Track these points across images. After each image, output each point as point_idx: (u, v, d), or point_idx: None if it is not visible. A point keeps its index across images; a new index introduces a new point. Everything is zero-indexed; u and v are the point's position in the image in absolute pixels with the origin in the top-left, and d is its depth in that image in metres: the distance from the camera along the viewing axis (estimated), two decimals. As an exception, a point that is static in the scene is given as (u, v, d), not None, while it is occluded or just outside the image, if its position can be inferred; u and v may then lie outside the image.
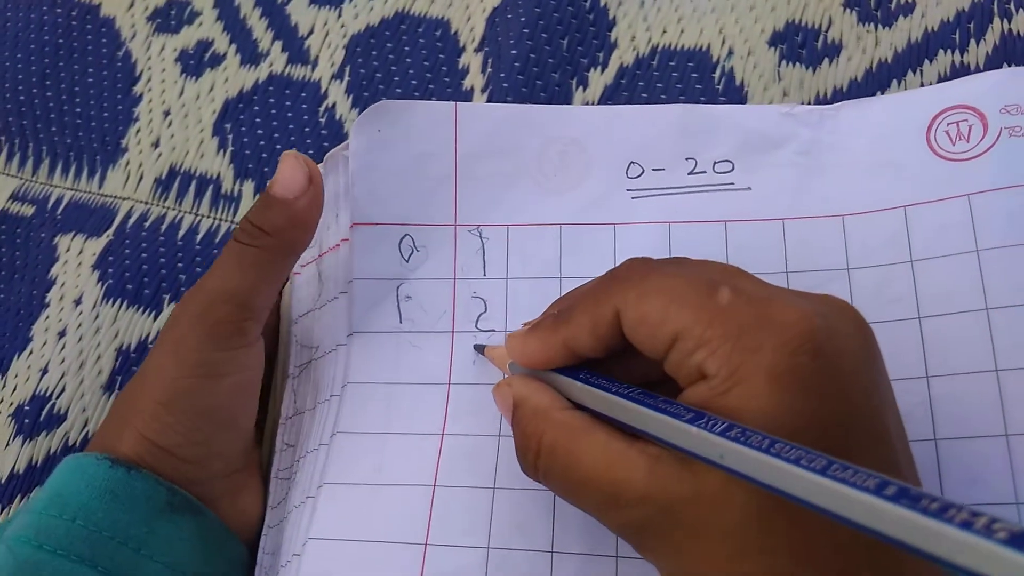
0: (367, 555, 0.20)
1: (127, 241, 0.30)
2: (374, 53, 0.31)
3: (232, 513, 0.22)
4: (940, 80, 0.27)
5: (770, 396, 0.14)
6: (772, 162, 0.23)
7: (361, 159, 0.23)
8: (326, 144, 0.30)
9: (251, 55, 0.32)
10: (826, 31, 0.28)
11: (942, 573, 0.14)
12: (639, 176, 0.23)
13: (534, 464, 0.17)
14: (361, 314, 0.23)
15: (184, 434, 0.21)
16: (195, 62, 0.32)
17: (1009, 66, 0.26)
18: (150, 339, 0.29)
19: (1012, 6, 0.27)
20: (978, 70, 0.26)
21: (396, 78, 0.31)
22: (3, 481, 0.27)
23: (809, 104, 0.25)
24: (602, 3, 0.30)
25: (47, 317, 0.30)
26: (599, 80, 0.29)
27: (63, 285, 0.30)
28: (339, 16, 0.32)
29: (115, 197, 0.31)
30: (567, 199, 0.23)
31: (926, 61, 0.27)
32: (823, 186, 0.23)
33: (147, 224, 0.31)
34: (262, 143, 0.31)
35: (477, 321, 0.23)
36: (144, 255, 0.30)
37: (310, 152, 0.31)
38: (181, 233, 0.30)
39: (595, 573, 0.19)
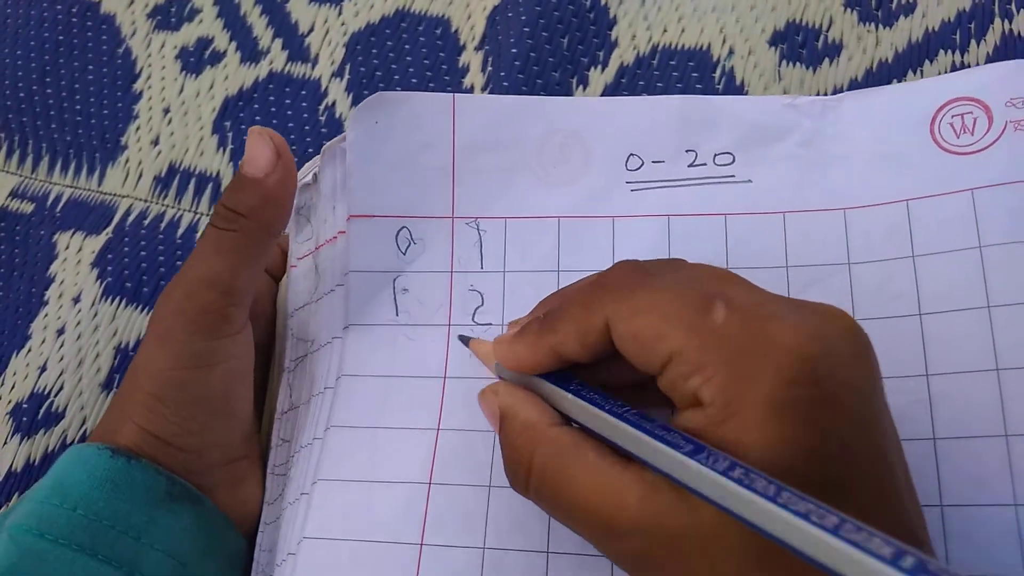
0: (362, 555, 0.20)
1: (126, 239, 0.30)
2: (374, 51, 0.31)
3: (232, 503, 0.22)
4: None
5: (768, 429, 0.14)
6: (773, 154, 0.23)
7: (358, 151, 0.23)
8: (326, 142, 0.30)
9: (251, 53, 0.32)
10: (827, 31, 0.28)
11: None
12: (639, 168, 0.23)
13: (525, 483, 0.17)
14: (357, 307, 0.23)
15: (180, 424, 0.20)
16: (195, 59, 0.32)
17: (1010, 66, 0.26)
18: (149, 336, 0.29)
19: (1013, 6, 0.27)
20: (979, 70, 0.26)
21: (396, 76, 0.31)
22: (1, 479, 0.27)
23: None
24: (603, 2, 0.30)
25: (46, 315, 0.30)
26: (599, 79, 0.29)
27: (62, 283, 0.30)
28: (339, 14, 0.32)
29: (114, 195, 0.31)
30: (566, 192, 0.23)
31: (926, 61, 0.27)
32: (825, 179, 0.22)
33: (146, 222, 0.31)
34: (262, 141, 0.31)
35: (474, 314, 0.23)
36: (143, 253, 0.30)
37: (310, 151, 0.31)
38: (180, 231, 0.30)
39: (591, 573, 0.19)
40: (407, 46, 0.31)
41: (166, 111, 0.32)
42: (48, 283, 0.30)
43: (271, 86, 0.32)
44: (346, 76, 0.31)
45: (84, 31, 0.34)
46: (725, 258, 0.22)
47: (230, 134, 0.31)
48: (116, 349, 0.29)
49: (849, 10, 0.28)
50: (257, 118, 0.31)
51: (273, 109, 0.31)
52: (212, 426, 0.21)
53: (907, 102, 0.22)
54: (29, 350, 0.29)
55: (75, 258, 0.31)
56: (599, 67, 0.29)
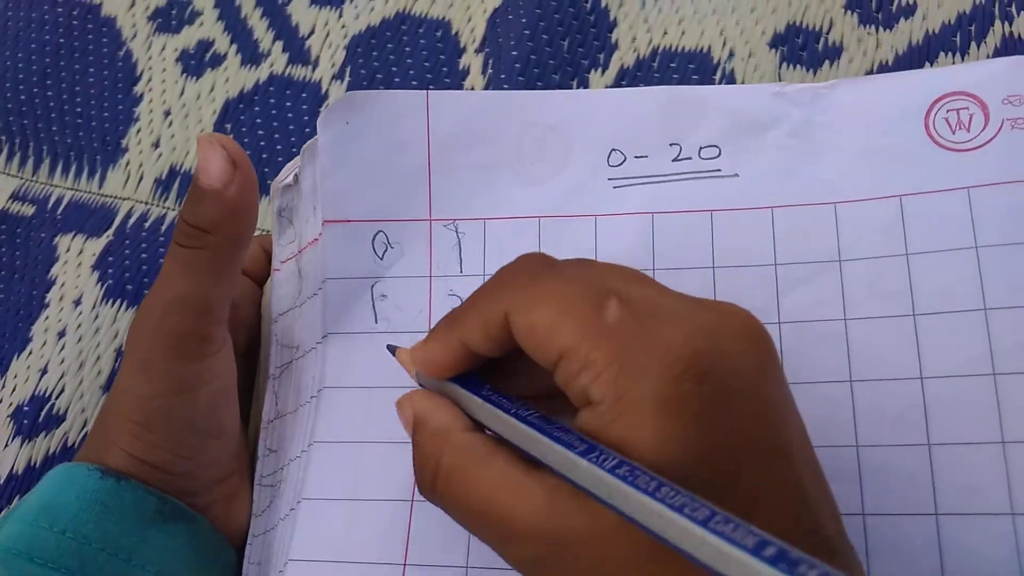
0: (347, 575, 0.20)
1: (127, 241, 0.30)
2: (375, 53, 0.31)
3: (226, 519, 0.22)
4: (941, 82, 0.27)
5: (655, 427, 0.14)
6: (761, 145, 0.22)
7: (330, 154, 0.23)
8: (326, 145, 0.30)
9: (252, 55, 0.32)
10: (827, 33, 0.28)
11: None
12: (621, 164, 0.22)
13: (431, 487, 0.17)
14: (336, 315, 0.22)
15: (170, 450, 0.20)
16: (196, 62, 0.32)
17: (1010, 68, 0.26)
18: (150, 339, 0.29)
19: (1013, 8, 0.27)
20: (979, 72, 0.26)
21: (397, 79, 0.31)
22: (1, 482, 0.27)
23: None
24: (603, 4, 0.30)
25: (47, 317, 0.30)
26: (600, 81, 0.29)
27: (63, 285, 0.30)
28: (340, 16, 0.32)
29: (115, 197, 0.31)
30: (546, 189, 0.22)
31: (927, 63, 0.27)
32: (815, 170, 0.22)
33: (147, 224, 0.31)
34: (263, 143, 0.31)
35: None
36: (144, 255, 0.30)
37: (310, 153, 0.31)
38: (181, 233, 0.30)
39: None
40: (407, 48, 0.31)
41: (167, 113, 0.32)
42: (49, 286, 0.30)
43: (272, 88, 0.32)
44: (347, 78, 0.31)
45: (85, 34, 0.34)
46: (711, 256, 0.21)
47: (231, 136, 0.31)
48: (117, 352, 0.29)
49: (849, 12, 0.28)
50: (258, 120, 0.31)
51: (274, 111, 0.31)
52: (203, 448, 0.21)
53: (901, 94, 0.22)
54: (30, 353, 0.29)
55: (76, 261, 0.31)
56: (599, 69, 0.29)
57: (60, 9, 0.35)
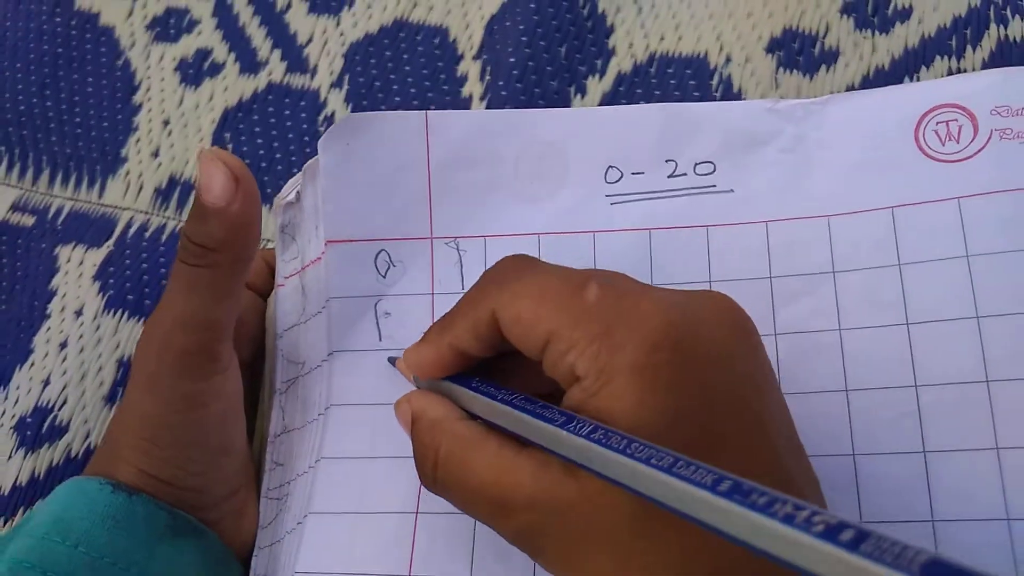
0: None
1: (128, 251, 0.31)
2: (373, 61, 0.31)
3: (234, 533, 0.22)
4: (937, 86, 0.27)
5: (633, 395, 0.15)
6: (756, 161, 0.22)
7: (331, 176, 0.23)
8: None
9: (250, 63, 0.32)
10: (823, 37, 0.28)
11: None
12: (618, 180, 0.23)
13: (432, 476, 0.18)
14: (340, 333, 0.23)
15: (180, 466, 0.20)
16: (194, 71, 0.33)
17: (1006, 72, 0.26)
18: (151, 349, 0.29)
19: (1008, 12, 0.27)
20: (975, 76, 0.27)
21: (395, 86, 0.31)
22: (6, 494, 0.27)
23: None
24: (600, 10, 0.30)
25: (48, 328, 0.30)
26: (597, 88, 0.29)
27: (64, 296, 0.30)
28: (338, 24, 0.32)
29: (115, 207, 0.32)
30: (545, 207, 0.23)
31: (923, 67, 0.27)
32: (809, 185, 0.22)
33: (147, 234, 0.31)
34: (262, 152, 0.31)
35: None
36: (145, 265, 0.30)
37: (309, 160, 0.31)
38: (181, 242, 0.30)
39: None
40: (405, 55, 0.31)
41: (166, 123, 0.32)
42: (50, 296, 0.31)
43: (270, 97, 0.32)
44: (345, 86, 0.31)
45: (83, 43, 0.34)
46: (708, 270, 0.22)
47: (230, 145, 0.31)
48: (119, 362, 0.29)
49: (846, 16, 0.28)
50: (256, 129, 0.31)
51: (272, 120, 0.31)
52: (212, 464, 0.21)
53: (891, 107, 0.22)
54: (32, 364, 0.29)
55: (76, 271, 0.31)
56: (597, 76, 0.29)
57: (59, 19, 0.35)
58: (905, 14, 0.28)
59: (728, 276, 0.22)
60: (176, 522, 0.20)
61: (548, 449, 0.15)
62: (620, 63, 0.29)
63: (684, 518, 0.13)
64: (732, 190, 0.22)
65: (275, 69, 0.32)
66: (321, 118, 0.31)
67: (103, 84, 0.33)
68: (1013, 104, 0.21)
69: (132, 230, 0.31)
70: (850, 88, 0.27)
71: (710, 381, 0.15)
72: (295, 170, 0.31)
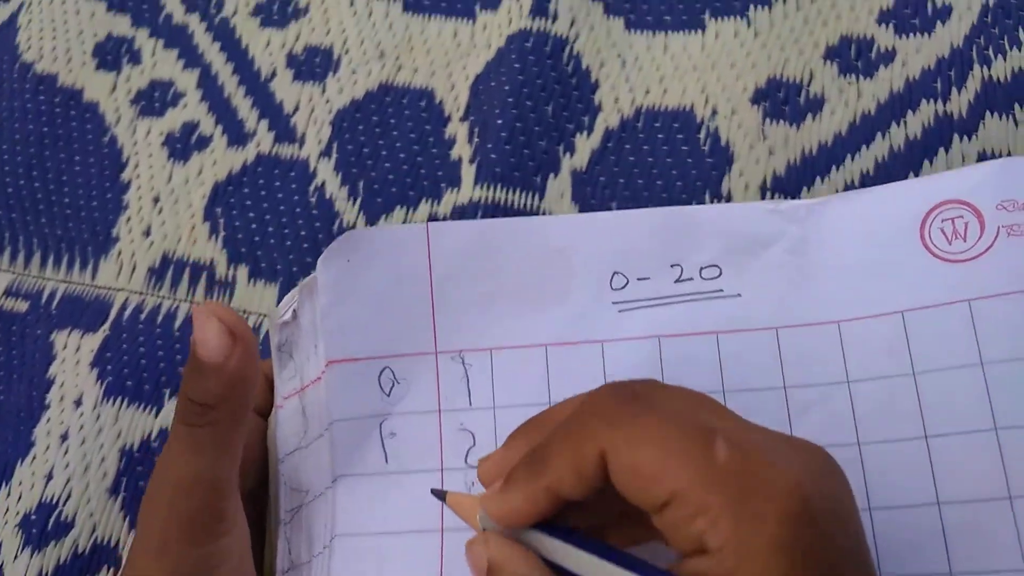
0: None
1: (124, 335, 0.30)
2: (360, 127, 0.31)
3: None
4: (924, 131, 0.27)
5: (778, 571, 0.14)
6: (761, 264, 0.22)
7: (331, 293, 0.23)
8: (318, 224, 0.30)
9: (238, 135, 0.32)
10: (808, 85, 0.28)
11: None
12: (624, 287, 0.22)
13: None
14: (344, 456, 0.22)
15: None
16: (182, 145, 0.32)
17: (992, 115, 0.26)
18: (153, 437, 0.29)
19: (991, 52, 0.27)
20: (961, 119, 0.27)
21: (384, 152, 0.31)
22: (15, 595, 0.27)
23: (793, 199, 0.24)
24: (584, 66, 0.30)
25: (48, 420, 0.30)
26: (586, 145, 0.29)
27: (62, 385, 0.30)
28: (323, 91, 0.32)
29: (109, 288, 0.31)
30: (551, 316, 0.23)
31: (909, 112, 0.27)
32: (816, 289, 0.22)
33: (143, 316, 0.31)
34: (254, 226, 0.31)
35: (467, 456, 0.22)
36: (142, 349, 0.30)
37: (302, 233, 0.30)
38: (177, 323, 0.30)
39: None
40: (393, 120, 0.31)
41: (156, 200, 0.32)
42: (48, 385, 0.30)
43: (260, 169, 0.32)
44: (334, 155, 0.31)
45: (68, 121, 0.34)
46: (720, 380, 0.21)
47: (222, 220, 0.31)
48: (121, 452, 0.29)
49: (829, 62, 0.28)
50: (247, 203, 0.31)
51: (263, 193, 0.31)
52: None
53: (894, 206, 0.22)
54: (34, 457, 0.29)
55: (74, 358, 0.30)
56: (584, 133, 0.29)
57: (42, 97, 0.35)
58: (888, 57, 0.28)
59: (741, 385, 0.21)
60: None
61: None
62: (607, 118, 0.29)
63: None
64: (739, 294, 0.22)
65: (263, 140, 0.32)
66: (312, 188, 0.31)
67: (90, 162, 0.33)
68: (1018, 197, 0.21)
69: (127, 312, 0.31)
70: (838, 136, 0.27)
71: (840, 546, 0.15)
72: (288, 243, 0.31)
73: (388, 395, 0.22)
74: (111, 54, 0.34)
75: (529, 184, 0.29)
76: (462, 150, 0.30)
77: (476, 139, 0.30)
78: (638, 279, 0.22)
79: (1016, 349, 0.19)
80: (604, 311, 0.22)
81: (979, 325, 0.20)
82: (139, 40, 0.34)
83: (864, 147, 0.27)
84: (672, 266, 0.22)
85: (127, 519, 0.28)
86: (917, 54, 0.28)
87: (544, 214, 0.29)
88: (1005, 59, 0.27)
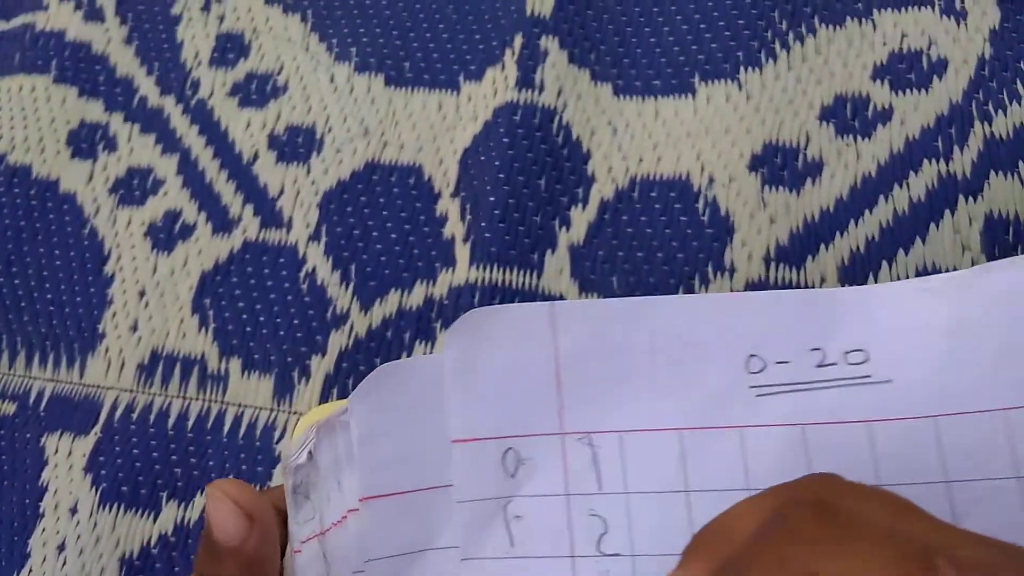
0: None
1: (116, 437, 0.29)
2: (349, 208, 0.31)
3: None
4: (928, 192, 0.26)
5: None
6: (913, 347, 0.20)
7: (454, 372, 0.22)
8: (311, 312, 0.30)
9: (222, 222, 0.31)
10: (805, 149, 0.27)
11: None
12: (761, 371, 0.21)
13: None
14: (469, 539, 0.21)
15: None
16: (165, 235, 0.31)
17: (997, 174, 0.26)
18: (152, 543, 0.28)
19: (991, 107, 0.26)
20: (965, 179, 0.26)
21: (374, 233, 0.30)
22: None
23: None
24: (574, 136, 0.29)
25: (43, 530, 0.29)
26: (582, 218, 0.29)
27: (56, 492, 0.29)
28: (308, 172, 0.31)
29: (98, 387, 0.30)
30: (684, 400, 0.21)
31: (911, 173, 0.26)
32: (975, 372, 0.20)
33: (134, 415, 0.30)
34: (245, 316, 0.30)
35: (599, 543, 0.20)
36: (135, 451, 0.29)
37: (295, 322, 0.30)
38: (171, 420, 0.29)
39: None
40: (381, 199, 0.30)
41: (141, 293, 0.31)
42: (41, 493, 0.29)
43: (247, 256, 0.31)
44: (323, 238, 0.30)
45: (46, 213, 0.33)
46: (874, 473, 0.20)
47: (211, 312, 0.30)
48: (121, 561, 0.28)
49: (825, 123, 0.28)
50: (237, 292, 0.30)
51: (252, 281, 0.30)
52: None
53: None
54: (31, 570, 0.28)
55: (66, 463, 0.29)
56: (580, 205, 0.29)
57: (17, 189, 0.34)
58: (885, 116, 0.27)
59: (898, 480, 0.19)
60: None
61: None
62: (602, 189, 0.29)
63: None
64: (890, 380, 0.20)
65: (249, 226, 0.31)
66: (302, 275, 0.30)
67: (71, 256, 0.32)
68: None
69: (119, 412, 0.30)
70: (839, 200, 0.27)
71: None
72: (280, 332, 0.30)
73: (513, 476, 0.21)
74: (86, 141, 0.33)
75: (526, 262, 0.28)
76: (455, 228, 0.29)
77: (468, 216, 0.29)
78: (776, 363, 0.21)
79: None
80: (741, 395, 0.21)
81: None
82: (114, 126, 0.33)
83: (867, 211, 0.26)
84: (813, 350, 0.21)
85: (130, 638, 0.27)
86: (915, 111, 0.27)
87: (544, 293, 0.28)
88: (1006, 114, 0.26)
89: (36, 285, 0.32)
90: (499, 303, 0.28)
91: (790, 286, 0.26)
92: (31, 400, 0.31)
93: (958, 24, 0.27)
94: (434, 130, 0.31)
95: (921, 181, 0.26)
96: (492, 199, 0.29)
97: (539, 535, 0.21)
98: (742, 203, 0.27)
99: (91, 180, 0.33)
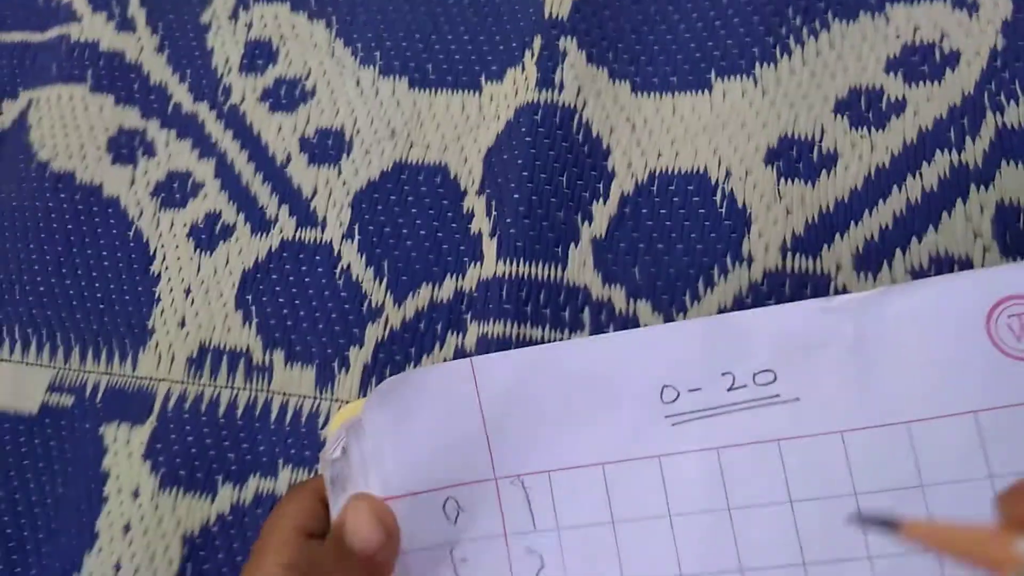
0: None
1: (171, 426, 0.31)
2: (379, 207, 0.32)
3: None
4: (941, 182, 0.27)
5: None
6: (817, 366, 0.21)
7: (380, 436, 0.23)
8: (347, 306, 0.31)
9: (260, 223, 0.33)
10: (820, 141, 0.28)
11: None
12: (675, 400, 0.22)
13: None
14: None
15: None
16: (207, 236, 0.33)
17: (1008, 163, 0.26)
18: (211, 523, 0.30)
19: (1003, 97, 0.27)
20: (977, 169, 0.27)
21: (405, 230, 0.31)
22: None
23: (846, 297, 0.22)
24: (594, 133, 0.30)
25: (109, 512, 0.31)
26: (603, 212, 0.30)
27: (118, 478, 0.31)
28: (339, 174, 0.33)
29: (151, 379, 0.32)
30: (604, 435, 0.23)
31: (924, 163, 0.27)
32: (880, 388, 0.21)
33: (187, 404, 0.32)
34: (285, 311, 0.32)
35: None
36: (190, 439, 0.31)
37: (333, 316, 0.31)
38: (221, 409, 0.31)
39: None
40: (410, 198, 0.32)
41: (187, 291, 0.33)
42: (104, 478, 0.31)
43: (285, 255, 0.32)
44: (356, 236, 0.32)
45: (92, 217, 0.35)
46: (786, 489, 0.21)
47: (253, 307, 0.32)
48: (183, 539, 0.30)
49: (839, 116, 0.28)
50: (277, 288, 0.32)
51: (291, 278, 0.32)
52: None
53: (956, 299, 0.21)
54: (100, 549, 0.30)
55: (125, 451, 0.32)
56: (601, 200, 0.30)
57: (63, 195, 0.35)
58: (899, 107, 0.28)
59: (809, 495, 0.21)
60: None
61: None
62: (622, 184, 0.30)
63: None
64: (798, 399, 0.21)
65: (285, 226, 0.33)
66: (338, 271, 0.32)
67: (118, 257, 0.34)
68: None
69: (172, 402, 0.32)
70: (854, 191, 0.28)
71: None
72: (320, 326, 0.32)
73: (455, 523, 0.23)
74: (125, 147, 0.35)
75: (551, 256, 0.30)
76: (481, 223, 0.31)
77: (494, 212, 0.31)
78: (689, 390, 0.22)
79: None
80: (657, 425, 0.22)
81: None
82: (151, 132, 0.34)
83: (881, 201, 0.27)
84: (723, 374, 0.22)
85: (195, 611, 0.29)
86: (928, 103, 0.28)
87: (569, 283, 0.30)
88: (1018, 104, 0.27)
89: (86, 285, 0.34)
90: (525, 295, 0.29)
91: (807, 275, 0.27)
92: (87, 393, 0.33)
93: (970, 16, 0.28)
94: (458, 130, 0.32)
95: (934, 171, 0.27)
96: (516, 195, 0.30)
97: (483, 575, 0.22)
98: (759, 195, 0.28)
99: (133, 184, 0.35)
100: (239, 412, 0.31)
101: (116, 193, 0.35)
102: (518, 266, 0.30)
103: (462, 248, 0.31)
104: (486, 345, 0.29)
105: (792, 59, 0.29)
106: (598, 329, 0.29)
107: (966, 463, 0.20)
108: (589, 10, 0.31)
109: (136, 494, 0.31)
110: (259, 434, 0.31)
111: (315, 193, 0.33)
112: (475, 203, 0.31)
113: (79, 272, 0.34)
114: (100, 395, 0.33)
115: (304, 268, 0.32)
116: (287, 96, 0.33)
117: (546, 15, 0.31)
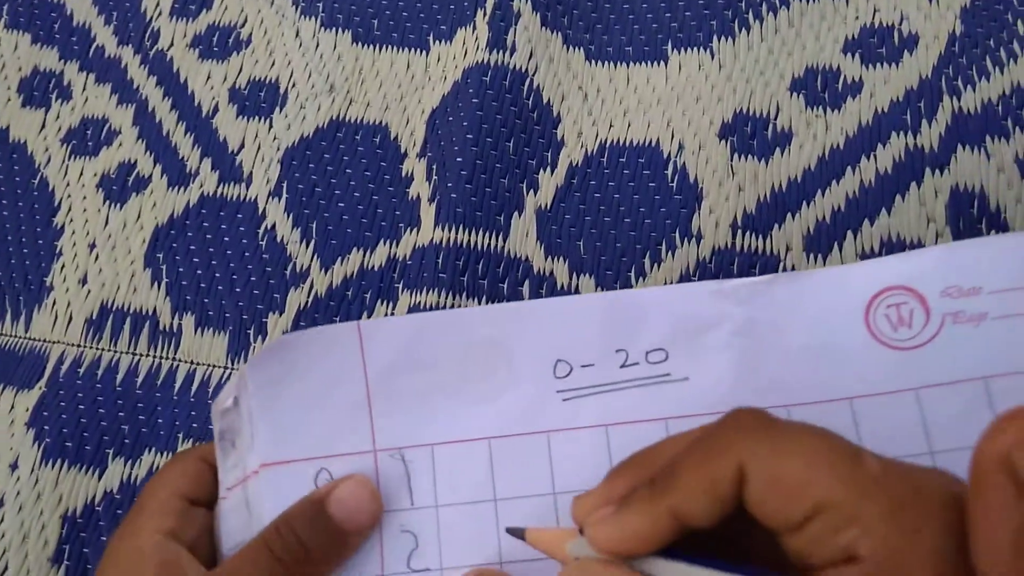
0: None
1: (61, 392, 0.28)
2: (311, 166, 0.30)
3: None
4: (895, 165, 0.26)
5: None
6: (707, 347, 0.21)
7: (261, 397, 0.22)
8: (269, 269, 0.29)
9: (179, 175, 0.30)
10: (775, 119, 0.27)
11: None
12: (568, 375, 0.21)
13: None
14: None
15: None
16: (118, 187, 0.30)
17: (964, 148, 0.26)
18: (97, 501, 0.27)
19: (960, 82, 0.26)
20: (932, 153, 0.26)
21: (337, 191, 0.29)
22: None
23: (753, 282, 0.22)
24: (545, 99, 0.29)
25: (-20, 486, 0.27)
26: (550, 182, 0.28)
27: (-6, 448, 0.28)
28: (270, 128, 0.30)
29: (44, 341, 0.29)
30: (494, 408, 0.22)
31: (879, 145, 0.26)
32: (764, 371, 0.21)
33: (81, 370, 0.28)
34: (199, 272, 0.29)
35: (409, 559, 0.21)
36: (81, 407, 0.28)
37: (252, 279, 0.29)
38: (120, 377, 0.28)
39: None
40: (346, 157, 0.30)
41: (92, 246, 0.30)
42: (-21, 449, 0.28)
43: (204, 211, 0.30)
44: (284, 195, 0.29)
45: (-6, 161, 0.32)
46: None
47: (164, 267, 0.29)
48: (63, 518, 0.27)
49: (795, 95, 0.27)
50: (192, 247, 0.29)
51: (208, 236, 0.29)
52: None
53: (839, 289, 0.21)
54: (-36, 528, 0.27)
55: (7, 418, 0.28)
56: (548, 169, 0.28)
57: (-36, 136, 0.32)
58: (856, 88, 0.27)
59: None
60: None
61: None
62: (571, 154, 0.28)
63: None
64: (687, 378, 0.21)
65: (207, 180, 0.30)
66: (261, 231, 0.29)
67: (19, 206, 0.31)
68: (963, 284, 0.20)
69: (64, 366, 0.29)
70: (807, 171, 0.27)
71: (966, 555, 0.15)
72: (237, 289, 0.29)
73: None
74: (38, 90, 0.32)
75: (492, 224, 0.28)
76: (420, 188, 0.29)
77: (435, 176, 0.29)
78: (582, 366, 0.22)
79: (963, 437, 0.18)
80: (548, 401, 0.21)
81: (927, 414, 0.20)
82: (68, 74, 0.32)
83: (834, 182, 0.26)
84: (617, 351, 0.22)
85: (68, 595, 0.26)
86: (885, 85, 0.27)
87: (510, 254, 0.28)
88: (975, 90, 0.26)
89: (-19, 235, 0.31)
90: (463, 264, 0.27)
91: (756, 255, 0.26)
92: (-28, 354, 0.30)
93: (930, 1, 0.27)
94: (402, 89, 0.30)
95: (888, 154, 0.26)
96: (459, 160, 0.28)
97: (351, 556, 0.21)
98: (711, 171, 0.27)
99: (43, 129, 0.32)
100: (139, 380, 0.28)
101: (23, 137, 0.32)
102: (457, 233, 0.28)
103: (398, 213, 0.29)
104: (417, 316, 0.27)
105: (751, 35, 0.28)
106: (538, 304, 0.27)
107: None
108: (545, -28, 0.30)
109: (14, 466, 0.28)
110: (159, 405, 0.28)
111: (242, 147, 0.30)
112: (415, 166, 0.29)
113: (-26, 221, 0.31)
114: (-15, 357, 0.30)
115: (224, 226, 0.29)
116: (219, 44, 0.31)
117: (500, -26, 0.30)
